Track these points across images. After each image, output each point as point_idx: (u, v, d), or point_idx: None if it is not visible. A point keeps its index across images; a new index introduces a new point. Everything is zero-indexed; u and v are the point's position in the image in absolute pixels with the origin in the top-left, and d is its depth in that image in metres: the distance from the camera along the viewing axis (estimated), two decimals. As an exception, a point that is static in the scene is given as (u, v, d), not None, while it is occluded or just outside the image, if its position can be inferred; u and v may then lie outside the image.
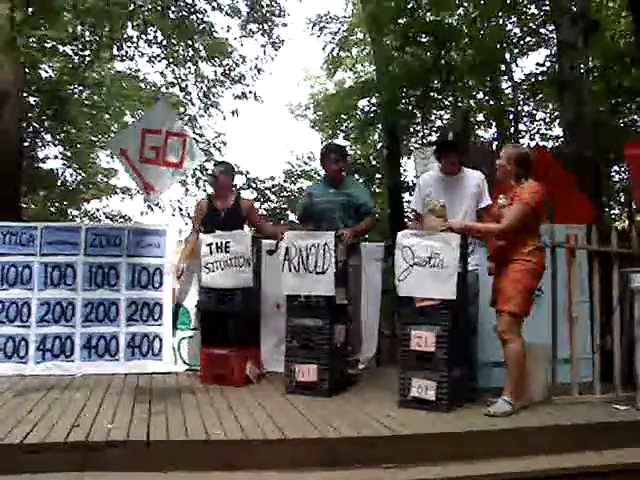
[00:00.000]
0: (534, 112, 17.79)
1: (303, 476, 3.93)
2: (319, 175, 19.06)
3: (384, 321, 7.58)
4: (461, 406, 5.08)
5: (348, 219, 6.17)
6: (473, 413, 4.93)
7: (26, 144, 15.13)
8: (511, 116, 17.25)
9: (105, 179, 20.04)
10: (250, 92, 16.51)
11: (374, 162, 19.58)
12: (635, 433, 4.70)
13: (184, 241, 6.80)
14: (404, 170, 17.78)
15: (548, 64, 15.20)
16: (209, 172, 6.85)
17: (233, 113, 16.60)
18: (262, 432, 4.26)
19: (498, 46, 14.85)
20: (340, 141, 19.55)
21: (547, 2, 13.78)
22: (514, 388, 4.95)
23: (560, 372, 5.54)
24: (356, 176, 17.36)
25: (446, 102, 17.40)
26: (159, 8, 13.63)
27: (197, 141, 14.83)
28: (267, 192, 17.53)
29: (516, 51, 16.19)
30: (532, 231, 5.03)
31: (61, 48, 14.69)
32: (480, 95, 17.33)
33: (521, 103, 17.25)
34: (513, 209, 4.98)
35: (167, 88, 16.47)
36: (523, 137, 17.05)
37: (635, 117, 15.51)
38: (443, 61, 14.98)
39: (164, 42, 14.85)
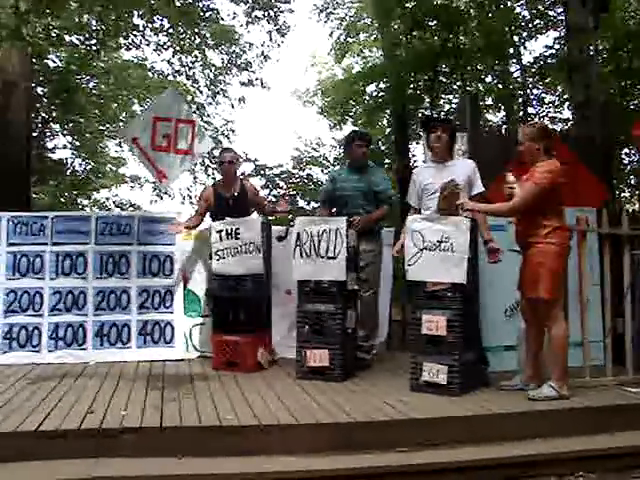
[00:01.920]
0: (543, 95, 17.70)
1: (316, 461, 3.95)
2: (328, 161, 19.05)
3: (394, 306, 7.59)
4: (473, 390, 5.08)
5: (369, 205, 6.22)
6: (485, 396, 4.94)
7: (35, 134, 15.17)
8: (520, 99, 17.16)
9: (114, 168, 20.09)
10: (257, 79, 16.50)
11: (383, 147, 19.52)
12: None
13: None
14: (413, 155, 17.74)
15: (557, 47, 15.12)
16: (219, 160, 6.83)
17: (240, 100, 16.59)
18: (275, 418, 4.27)
19: (507, 29, 14.77)
20: (348, 126, 19.54)
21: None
22: (561, 374, 4.89)
23: (572, 355, 5.52)
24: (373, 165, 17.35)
25: (454, 86, 17.33)
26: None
27: (205, 129, 14.83)
28: (276, 179, 17.53)
29: (525, 34, 16.10)
30: (548, 212, 4.91)
31: (67, 37, 14.70)
32: (489, 79, 17.26)
33: (530, 86, 17.16)
34: (523, 189, 4.94)
35: (174, 76, 16.46)
36: (532, 120, 16.94)
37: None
38: (451, 45, 14.91)
39: (170, 30, 14.82)
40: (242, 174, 6.94)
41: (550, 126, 5.63)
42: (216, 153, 16.74)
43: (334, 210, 6.41)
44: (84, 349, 6.44)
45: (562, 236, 4.95)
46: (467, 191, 5.54)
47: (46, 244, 6.54)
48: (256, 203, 6.78)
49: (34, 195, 15.76)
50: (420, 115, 16.30)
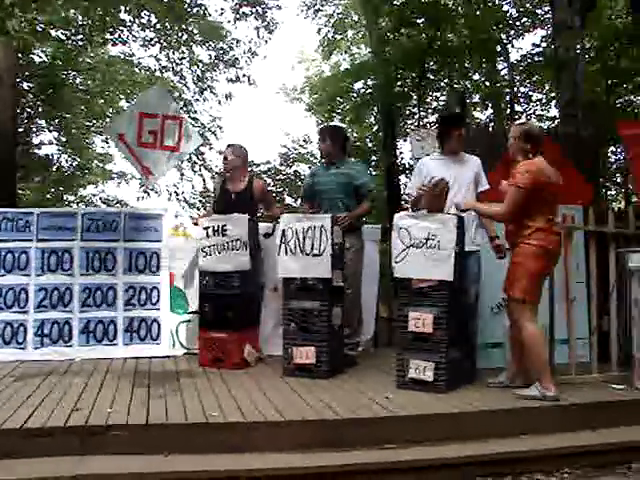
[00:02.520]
0: (530, 93, 17.76)
1: (303, 458, 3.95)
2: (315, 158, 19.07)
3: (381, 303, 7.60)
4: (459, 387, 5.10)
5: (348, 199, 6.18)
6: (471, 394, 4.95)
7: (20, 130, 15.08)
8: (507, 97, 17.21)
9: (101, 164, 20.01)
10: (244, 75, 16.45)
11: (370, 144, 19.53)
12: (631, 412, 4.74)
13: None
14: (400, 152, 17.77)
15: (544, 45, 15.18)
16: (222, 155, 6.82)
17: (227, 97, 16.55)
18: (261, 415, 4.27)
19: (494, 27, 14.81)
20: (336, 123, 19.55)
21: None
22: (542, 376, 4.83)
23: (558, 352, 5.55)
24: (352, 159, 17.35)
25: (442, 84, 17.36)
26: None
27: (193, 125, 14.77)
28: (263, 175, 17.52)
29: (512, 32, 16.15)
30: (532, 212, 4.90)
31: (53, 32, 14.61)
32: (476, 76, 17.30)
33: (517, 84, 17.21)
34: (508, 193, 4.94)
35: (161, 72, 16.40)
36: (519, 118, 16.93)
37: (631, 97, 15.46)
38: (439, 42, 14.93)
39: (158, 26, 14.76)
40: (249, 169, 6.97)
41: (537, 125, 5.59)
42: (203, 150, 16.80)
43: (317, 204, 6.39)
44: (70, 346, 6.40)
45: (544, 237, 4.90)
46: (473, 189, 5.59)
47: (31, 240, 6.50)
48: (263, 201, 6.71)
49: (19, 191, 15.67)
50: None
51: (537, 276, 4.95)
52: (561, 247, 5.12)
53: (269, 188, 17.04)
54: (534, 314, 4.96)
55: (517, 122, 5.61)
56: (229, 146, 6.81)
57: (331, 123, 6.06)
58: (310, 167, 18.20)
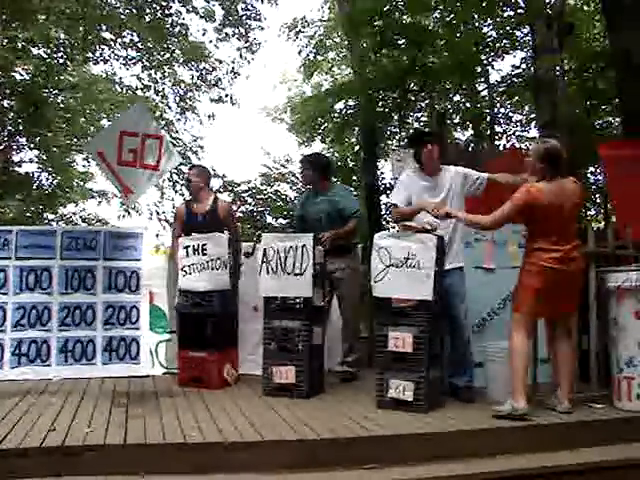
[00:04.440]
0: (510, 114, 17.88)
1: (282, 478, 3.93)
2: (297, 178, 19.10)
3: (362, 323, 7.58)
4: (439, 406, 5.10)
5: (334, 225, 6.23)
6: (451, 413, 4.95)
7: (1, 147, 14.99)
8: (487, 118, 17.33)
9: (81, 183, 19.90)
10: (227, 96, 16.51)
11: (351, 164, 19.57)
12: (611, 431, 4.75)
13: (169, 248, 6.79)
14: (381, 172, 17.79)
15: (524, 66, 15.34)
16: (186, 177, 6.82)
17: (209, 117, 16.58)
18: (240, 434, 4.25)
19: (474, 49, 14.93)
20: (317, 143, 19.59)
21: (522, 5, 13.89)
22: (513, 387, 4.84)
23: (539, 371, 5.55)
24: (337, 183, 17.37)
25: (423, 104, 17.45)
26: (134, 10, 13.57)
27: (174, 145, 14.76)
28: (244, 195, 17.51)
29: (492, 54, 16.28)
30: (533, 233, 4.98)
31: (35, 50, 14.59)
32: (457, 97, 17.41)
33: (497, 105, 17.34)
34: (503, 206, 4.96)
35: (143, 91, 16.39)
36: (500, 139, 17.12)
37: (610, 119, 15.61)
38: (419, 64, 15.03)
39: (140, 45, 14.78)
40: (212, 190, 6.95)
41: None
42: (184, 169, 16.77)
43: None
44: (48, 365, 6.35)
45: (542, 256, 4.88)
46: (461, 199, 5.60)
47: (10, 258, 6.45)
48: (226, 225, 6.55)
49: (-1, 209, 15.57)
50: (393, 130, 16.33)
51: (530, 290, 4.91)
52: (569, 265, 4.90)
53: (250, 208, 17.12)
54: (523, 327, 4.94)
55: (539, 140, 5.59)
56: (192, 167, 6.86)
57: (311, 152, 6.05)
58: (291, 187, 18.23)
